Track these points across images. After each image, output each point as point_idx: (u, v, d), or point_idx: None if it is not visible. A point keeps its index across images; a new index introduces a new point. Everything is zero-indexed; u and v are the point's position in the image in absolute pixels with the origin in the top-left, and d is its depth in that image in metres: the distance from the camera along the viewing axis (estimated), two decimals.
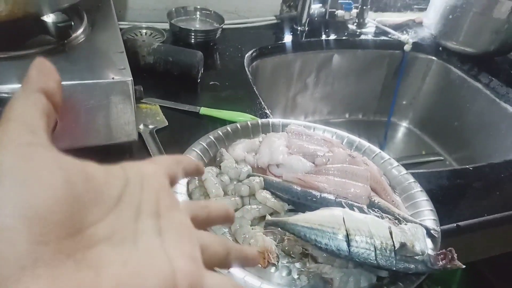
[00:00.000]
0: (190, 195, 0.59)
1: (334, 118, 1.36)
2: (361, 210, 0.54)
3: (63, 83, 0.55)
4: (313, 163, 0.65)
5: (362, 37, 1.26)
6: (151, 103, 0.79)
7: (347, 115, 1.37)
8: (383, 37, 1.27)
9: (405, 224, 0.52)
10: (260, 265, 0.51)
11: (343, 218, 0.51)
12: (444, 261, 0.48)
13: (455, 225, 0.63)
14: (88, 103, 0.57)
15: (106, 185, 0.21)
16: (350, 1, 1.25)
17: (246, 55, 1.02)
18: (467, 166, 0.78)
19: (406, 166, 1.22)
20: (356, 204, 0.55)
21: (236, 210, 0.56)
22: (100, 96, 0.58)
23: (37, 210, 0.17)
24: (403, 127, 1.38)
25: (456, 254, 0.48)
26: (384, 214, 0.53)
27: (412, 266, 0.48)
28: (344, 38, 1.23)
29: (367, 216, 0.52)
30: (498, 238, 0.71)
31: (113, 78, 0.58)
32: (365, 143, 0.74)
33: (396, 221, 0.53)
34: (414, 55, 1.28)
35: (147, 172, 0.24)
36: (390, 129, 1.36)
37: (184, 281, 0.20)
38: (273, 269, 0.51)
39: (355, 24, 1.27)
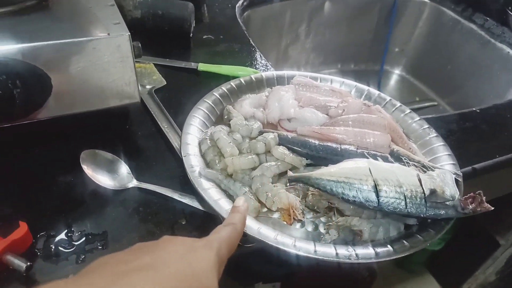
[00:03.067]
0: (203, 156, 0.56)
1: (326, 68, 1.32)
2: (385, 160, 0.52)
3: (52, 42, 0.49)
4: (327, 114, 0.62)
5: None
6: (145, 62, 0.73)
7: (339, 65, 1.34)
8: None
9: (433, 170, 0.50)
10: (285, 222, 0.49)
11: (369, 168, 0.49)
12: (473, 205, 0.47)
13: (471, 168, 0.63)
14: (82, 64, 0.52)
15: None
16: None
17: (236, 5, 0.95)
18: (474, 109, 0.77)
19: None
20: (378, 153, 0.54)
21: (254, 168, 0.54)
22: (95, 55, 0.52)
23: None
24: (396, 74, 1.36)
25: (484, 197, 0.47)
26: (410, 162, 0.52)
27: (443, 212, 0.47)
28: None
29: (393, 165, 0.50)
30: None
31: (108, 34, 0.52)
32: (375, 91, 0.71)
33: (422, 167, 0.51)
34: None
35: None
36: (383, 77, 1.34)
37: None
38: (298, 225, 0.50)
39: None
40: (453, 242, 1.39)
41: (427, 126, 0.64)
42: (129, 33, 0.53)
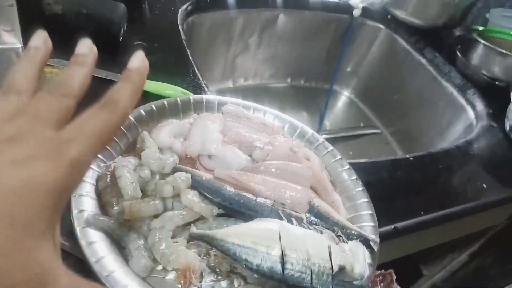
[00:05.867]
0: (99, 195, 0.48)
1: (275, 82, 1.28)
2: (299, 222, 0.48)
3: None
4: (251, 156, 0.57)
5: None
6: (58, 66, 0.64)
7: (289, 80, 1.30)
8: None
9: (346, 243, 0.47)
10: (180, 286, 0.44)
11: (279, 234, 0.44)
12: (382, 284, 0.44)
13: (392, 227, 0.61)
14: None
15: None
16: None
17: (180, 9, 0.87)
18: (408, 156, 0.76)
19: (344, 139, 1.19)
20: (294, 213, 0.49)
21: (156, 216, 0.48)
22: None
23: None
24: (344, 96, 1.34)
25: (395, 277, 0.45)
26: (323, 230, 0.48)
27: None
28: None
29: (306, 232, 0.46)
30: (433, 234, 0.70)
31: None
32: (309, 130, 0.67)
33: (337, 236, 0.48)
34: (362, 21, 1.21)
35: None
36: (332, 98, 1.32)
37: None
38: None
39: None
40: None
41: (355, 177, 0.61)
42: (22, 45, 0.45)
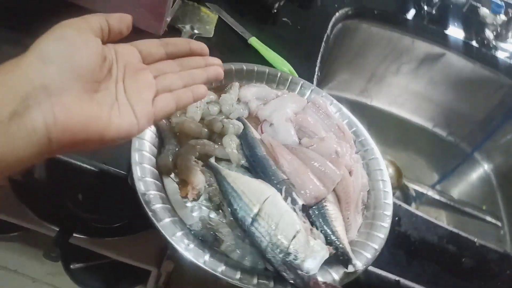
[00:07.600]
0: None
1: (415, 119, 1.22)
2: (293, 203, 0.51)
3: None
4: (299, 139, 0.62)
5: (496, 53, 1.05)
6: (213, 11, 0.79)
7: (431, 125, 1.22)
8: None
9: (316, 240, 0.48)
10: (180, 194, 0.53)
11: (266, 198, 0.49)
12: None
13: (397, 279, 0.57)
14: None
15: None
16: (502, 3, 1.03)
17: (337, 12, 0.93)
18: (475, 240, 0.67)
19: (456, 210, 1.07)
20: (295, 196, 0.52)
21: (198, 138, 0.58)
22: None
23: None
24: (482, 168, 1.19)
25: None
26: (307, 220, 0.50)
27: (291, 276, 0.46)
28: (473, 44, 1.04)
29: (288, 211, 0.49)
30: None
31: None
32: (377, 153, 0.67)
33: (314, 232, 0.50)
34: None
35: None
36: (467, 165, 1.19)
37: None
38: (189, 203, 0.53)
39: (495, 32, 1.06)
40: None
41: (389, 213, 0.59)
42: None
